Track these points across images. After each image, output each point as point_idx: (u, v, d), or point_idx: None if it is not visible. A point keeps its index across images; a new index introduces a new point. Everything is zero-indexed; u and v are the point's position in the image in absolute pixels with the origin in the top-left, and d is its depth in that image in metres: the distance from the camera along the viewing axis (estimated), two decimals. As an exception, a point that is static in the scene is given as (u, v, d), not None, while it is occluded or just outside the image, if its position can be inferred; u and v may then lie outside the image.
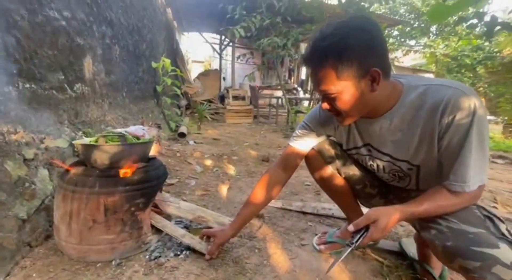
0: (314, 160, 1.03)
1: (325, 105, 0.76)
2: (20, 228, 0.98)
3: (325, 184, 1.09)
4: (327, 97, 0.73)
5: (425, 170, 0.80)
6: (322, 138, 0.99)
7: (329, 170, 1.02)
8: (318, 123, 0.96)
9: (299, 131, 0.99)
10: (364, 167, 0.99)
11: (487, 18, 1.92)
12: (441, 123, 0.68)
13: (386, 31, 4.35)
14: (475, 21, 2.20)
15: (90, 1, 1.86)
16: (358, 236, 0.70)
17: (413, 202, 0.72)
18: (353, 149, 0.94)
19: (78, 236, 0.95)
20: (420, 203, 0.71)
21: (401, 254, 1.13)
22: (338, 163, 1.00)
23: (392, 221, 0.69)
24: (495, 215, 0.70)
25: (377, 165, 0.90)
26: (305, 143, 0.99)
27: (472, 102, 0.65)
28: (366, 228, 0.70)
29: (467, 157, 0.67)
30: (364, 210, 1.15)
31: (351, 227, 0.70)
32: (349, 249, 0.70)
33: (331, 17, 4.47)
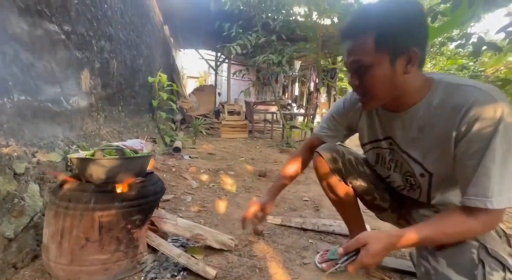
0: (322, 167, 1.02)
1: (353, 80, 0.71)
2: (6, 248, 0.92)
3: (332, 192, 1.07)
4: (358, 71, 0.69)
5: (438, 179, 0.75)
6: (345, 132, 1.00)
7: (336, 178, 1.02)
8: (342, 113, 0.96)
9: (325, 123, 1.03)
10: (374, 179, 0.98)
11: (474, 39, 2.02)
12: (460, 127, 0.62)
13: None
14: (462, 41, 2.31)
15: (91, 17, 1.88)
16: (346, 257, 0.65)
17: (414, 227, 0.64)
18: (374, 142, 0.90)
19: (69, 256, 0.89)
20: (421, 228, 0.63)
21: (407, 272, 1.10)
22: (346, 172, 1.00)
23: (384, 248, 0.61)
24: (496, 259, 0.59)
25: (396, 162, 0.85)
26: (330, 135, 1.02)
27: (500, 108, 0.59)
28: (357, 251, 0.64)
29: (490, 168, 0.58)
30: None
31: (340, 250, 0.65)
32: (333, 268, 0.65)
33: (324, 36, 4.63)
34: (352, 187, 1.02)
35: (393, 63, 0.65)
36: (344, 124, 0.98)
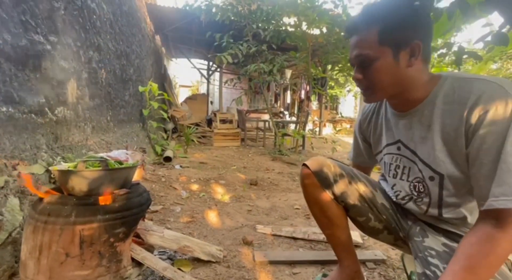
0: (311, 182, 0.87)
1: (357, 75, 0.72)
2: (-19, 266, 0.88)
3: (321, 212, 0.91)
4: (362, 65, 0.70)
5: (450, 182, 0.68)
6: (365, 145, 0.97)
7: (328, 196, 0.87)
8: (359, 120, 0.95)
9: (352, 145, 1.02)
10: (371, 197, 0.88)
11: (455, 48, 2.10)
12: (469, 120, 0.59)
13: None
14: (444, 50, 2.40)
15: (79, 27, 1.88)
16: None
17: None
18: (384, 149, 0.85)
19: (48, 273, 0.85)
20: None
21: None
22: (337, 189, 0.86)
23: None
24: None
25: (403, 168, 0.79)
26: (356, 154, 1.01)
27: None
28: None
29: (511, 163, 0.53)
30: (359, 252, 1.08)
31: None
32: None
33: (313, 45, 4.73)
34: (344, 207, 0.89)
35: (396, 56, 0.66)
36: (359, 131, 0.96)
